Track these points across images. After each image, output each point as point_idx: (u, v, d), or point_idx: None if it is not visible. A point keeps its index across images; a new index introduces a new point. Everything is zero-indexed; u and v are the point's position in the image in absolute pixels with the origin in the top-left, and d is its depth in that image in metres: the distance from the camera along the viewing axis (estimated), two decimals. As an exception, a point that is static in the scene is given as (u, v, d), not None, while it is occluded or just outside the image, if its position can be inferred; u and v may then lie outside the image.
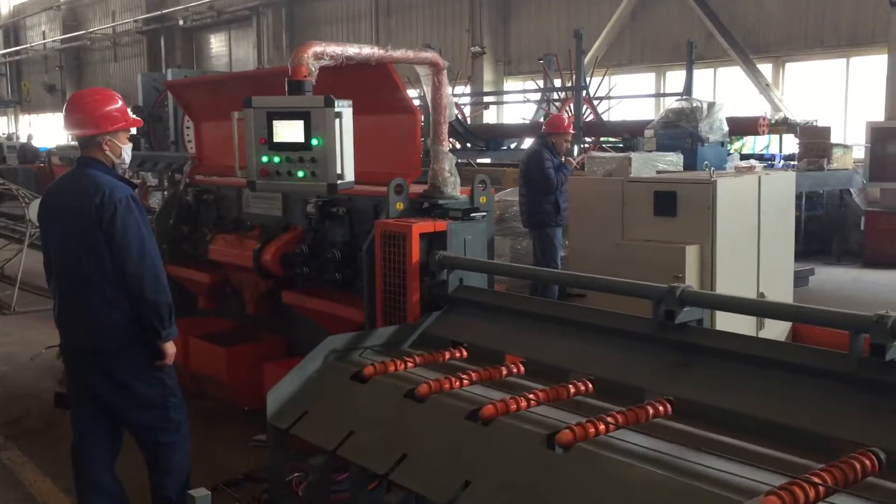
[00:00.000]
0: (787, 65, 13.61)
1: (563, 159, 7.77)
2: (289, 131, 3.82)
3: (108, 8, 33.27)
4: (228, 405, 5.66)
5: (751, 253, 5.07)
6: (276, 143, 3.84)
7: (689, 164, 9.20)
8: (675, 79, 15.25)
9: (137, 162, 14.69)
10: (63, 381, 3.94)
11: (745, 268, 5.06)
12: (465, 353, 3.91)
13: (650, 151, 9.44)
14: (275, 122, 3.84)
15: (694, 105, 9.87)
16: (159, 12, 28.78)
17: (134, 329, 3.57)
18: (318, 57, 3.92)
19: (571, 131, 8.00)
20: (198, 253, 6.02)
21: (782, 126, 11.84)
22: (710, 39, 13.53)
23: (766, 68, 13.58)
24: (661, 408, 2.99)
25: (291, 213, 5.45)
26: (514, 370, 3.64)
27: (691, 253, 4.66)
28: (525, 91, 15.03)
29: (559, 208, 7.55)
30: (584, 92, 11.69)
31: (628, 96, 13.81)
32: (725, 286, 4.70)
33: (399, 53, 4.30)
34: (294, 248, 5.22)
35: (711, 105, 9.82)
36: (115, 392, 3.63)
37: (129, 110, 3.93)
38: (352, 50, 4.08)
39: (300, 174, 3.83)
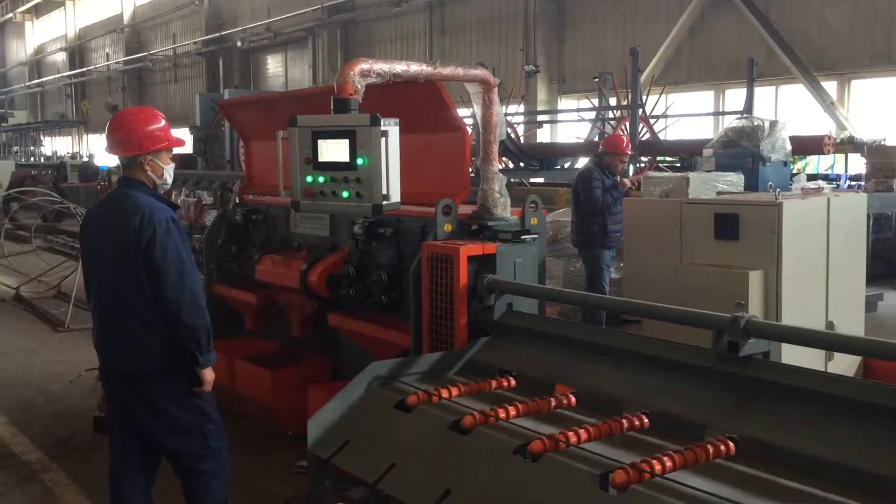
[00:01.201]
0: (853, 82, 13.17)
1: (616, 180, 7.51)
2: (334, 150, 3.72)
3: (169, 31, 34.05)
4: (272, 428, 5.56)
5: (818, 279, 4.79)
6: (321, 162, 3.75)
7: (751, 185, 8.90)
8: (734, 97, 14.90)
9: (193, 180, 14.90)
10: (102, 404, 3.87)
11: (813, 295, 4.78)
12: (513, 382, 3.74)
13: (709, 171, 9.17)
14: (320, 142, 3.75)
15: (755, 123, 9.57)
16: (218, 34, 29.31)
17: (172, 354, 3.49)
18: (364, 74, 3.82)
19: (629, 152, 7.74)
20: (245, 273, 5.97)
21: (848, 145, 11.43)
22: (772, 56, 13.17)
23: (829, 86, 13.16)
24: (723, 447, 2.79)
25: (339, 234, 5.36)
26: (565, 402, 3.45)
27: (755, 279, 4.41)
28: (579, 110, 14.82)
29: (606, 230, 7.32)
30: (640, 110, 11.45)
31: (686, 115, 13.51)
32: (791, 315, 4.44)
33: (448, 71, 4.18)
34: (340, 270, 5.12)
35: (774, 123, 9.50)
36: (152, 418, 3.54)
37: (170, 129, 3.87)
38: (399, 67, 3.97)
39: (345, 194, 3.72)
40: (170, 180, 3.76)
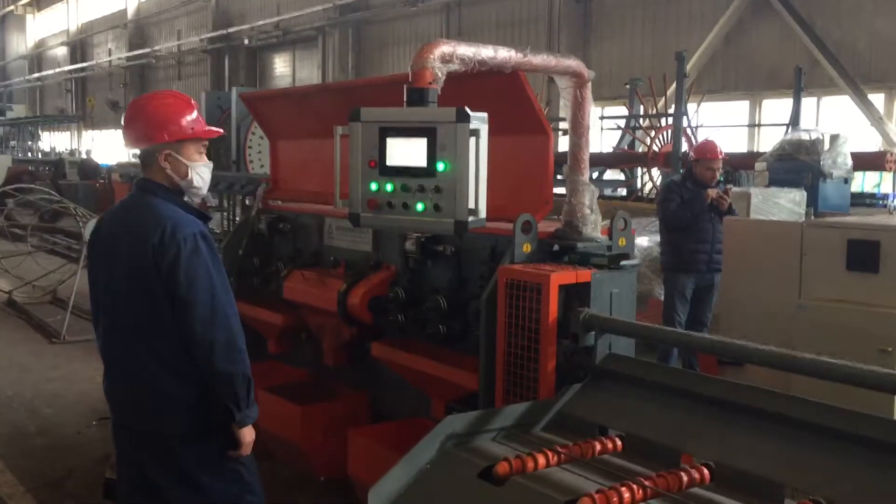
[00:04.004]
0: (902, 96, 12.48)
1: (701, 193, 6.44)
2: (407, 152, 2.98)
3: (173, 27, 33.31)
4: (300, 471, 4.81)
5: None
6: (390, 167, 3.00)
7: (809, 202, 8.21)
8: (770, 108, 14.20)
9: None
10: (114, 465, 3.11)
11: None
12: (619, 444, 3.01)
13: (766, 186, 8.47)
14: (389, 141, 3.00)
15: (814, 136, 8.88)
16: (225, 31, 28.57)
17: (203, 408, 2.74)
18: (445, 60, 3.09)
19: (719, 157, 6.76)
20: (269, 290, 5.22)
21: (900, 162, 10.70)
22: (815, 66, 12.47)
23: (875, 98, 12.46)
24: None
25: (384, 250, 4.63)
26: (696, 477, 2.71)
27: (906, 321, 3.68)
28: (617, 117, 14.03)
29: (681, 250, 6.34)
30: (685, 119, 10.73)
31: (728, 125, 12.76)
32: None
33: (539, 60, 3.46)
34: (387, 292, 4.39)
35: (835, 137, 8.81)
36: (177, 487, 2.78)
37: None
38: (485, 53, 3.25)
39: (420, 207, 2.98)
40: (201, 183, 3.00)
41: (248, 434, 2.79)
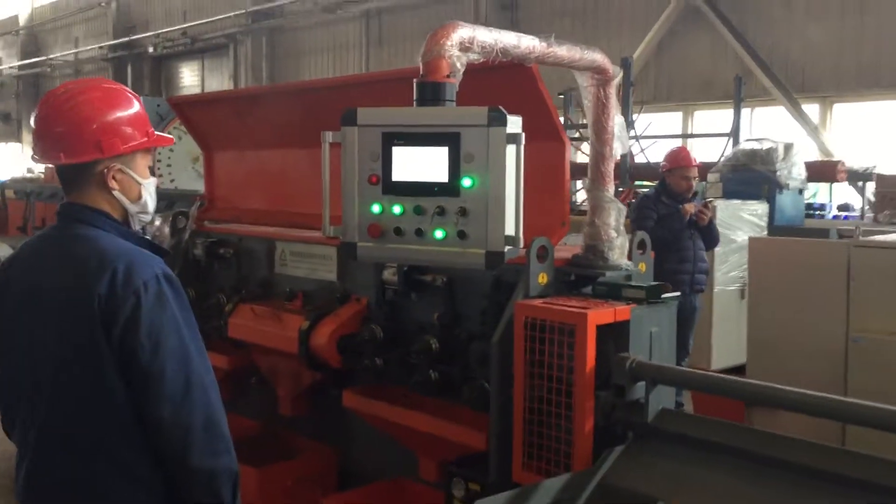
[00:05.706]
0: (835, 105, 12.43)
1: (678, 208, 5.92)
2: (421, 164, 2.33)
3: (70, 34, 31.50)
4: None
5: None
6: (399, 183, 2.34)
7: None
8: (702, 119, 14.06)
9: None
10: None
11: None
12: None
13: (723, 199, 8.11)
14: (396, 150, 2.34)
15: (767, 146, 8.58)
16: (127, 38, 27.10)
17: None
18: (464, 48, 2.45)
19: (693, 164, 6.28)
20: (211, 326, 4.44)
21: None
22: (748, 76, 12.32)
23: (810, 109, 12.39)
24: None
25: (352, 279, 3.94)
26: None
27: None
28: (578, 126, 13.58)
29: (661, 272, 5.65)
30: (632, 130, 10.35)
31: (663, 136, 12.46)
32: None
33: (564, 51, 2.87)
34: (360, 330, 3.71)
35: (789, 147, 8.54)
36: None
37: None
38: (508, 40, 2.64)
39: (439, 235, 2.32)
40: (152, 206, 2.28)
41: (232, 547, 2.08)
